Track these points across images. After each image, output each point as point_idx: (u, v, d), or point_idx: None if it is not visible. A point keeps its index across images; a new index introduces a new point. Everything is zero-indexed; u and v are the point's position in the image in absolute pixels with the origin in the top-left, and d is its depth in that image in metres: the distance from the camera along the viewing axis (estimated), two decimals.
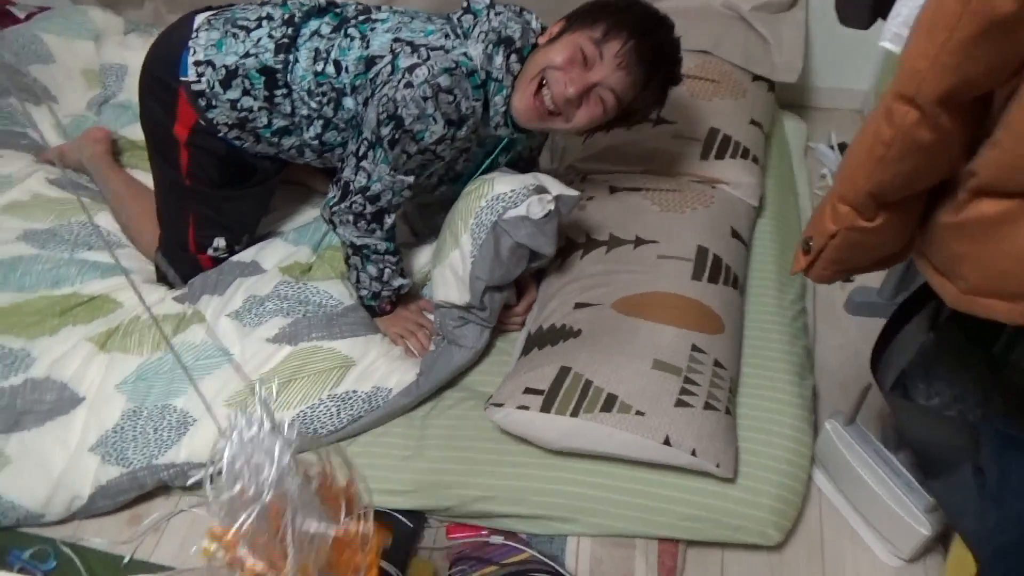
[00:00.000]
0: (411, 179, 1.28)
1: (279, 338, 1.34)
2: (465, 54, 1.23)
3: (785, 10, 1.81)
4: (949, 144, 0.69)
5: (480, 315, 1.30)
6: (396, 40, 1.25)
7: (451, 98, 1.19)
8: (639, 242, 1.38)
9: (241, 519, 0.64)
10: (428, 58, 1.19)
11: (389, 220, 1.33)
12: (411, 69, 1.19)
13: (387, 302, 1.41)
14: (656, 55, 1.20)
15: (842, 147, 1.88)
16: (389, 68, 1.22)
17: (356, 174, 1.28)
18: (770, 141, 1.71)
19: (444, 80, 1.18)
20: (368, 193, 1.28)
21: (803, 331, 1.40)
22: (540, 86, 1.20)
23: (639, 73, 1.19)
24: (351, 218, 1.31)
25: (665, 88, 1.26)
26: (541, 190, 1.25)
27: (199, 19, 1.40)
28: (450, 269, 1.32)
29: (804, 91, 1.99)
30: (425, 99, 1.17)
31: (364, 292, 1.40)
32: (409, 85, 1.18)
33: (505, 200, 1.26)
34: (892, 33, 0.90)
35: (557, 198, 1.25)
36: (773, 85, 1.77)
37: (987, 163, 0.68)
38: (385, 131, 1.21)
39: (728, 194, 1.50)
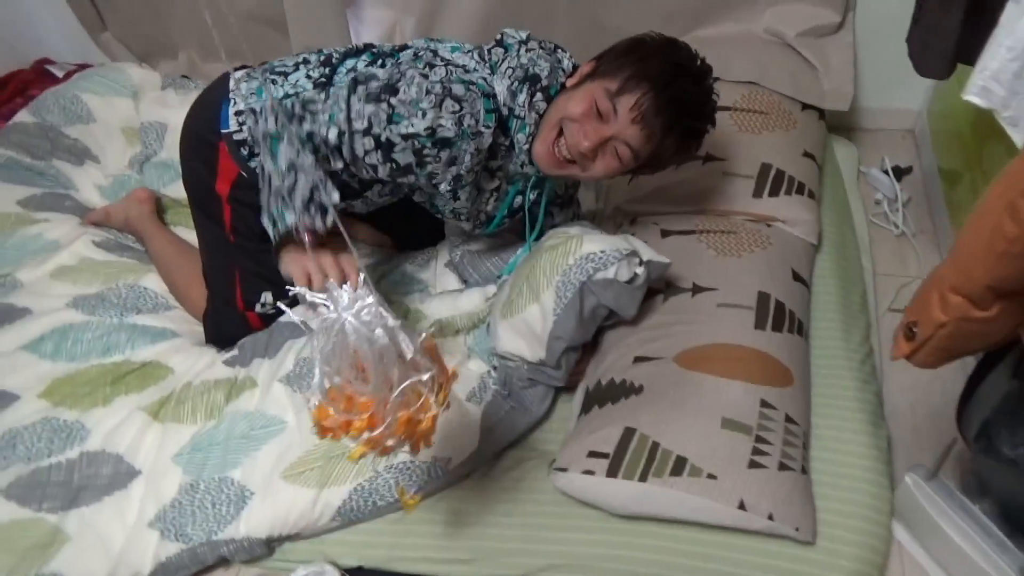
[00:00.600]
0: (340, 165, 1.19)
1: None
2: (484, 79, 1.20)
3: (832, 33, 1.76)
4: None
5: (553, 374, 1.27)
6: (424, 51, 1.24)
7: (456, 108, 1.12)
8: (697, 290, 1.33)
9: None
10: (448, 67, 1.17)
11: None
12: (430, 66, 1.16)
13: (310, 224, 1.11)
14: (675, 108, 1.14)
15: (896, 171, 1.81)
16: None
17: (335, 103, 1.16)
18: (823, 170, 1.65)
19: (458, 88, 1.13)
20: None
21: (872, 375, 1.35)
22: (560, 134, 1.17)
23: (656, 126, 1.14)
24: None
25: (686, 140, 1.20)
26: (632, 253, 1.22)
27: (236, 75, 1.40)
28: (525, 324, 1.28)
29: (853, 112, 1.93)
30: (428, 92, 1.11)
31: (283, 202, 1.12)
32: (423, 76, 1.14)
33: (595, 260, 1.21)
34: (979, 87, 0.85)
35: (647, 263, 1.22)
36: (823, 112, 1.71)
37: None
38: (373, 86, 1.14)
39: (785, 233, 1.45)
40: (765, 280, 1.33)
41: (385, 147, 1.14)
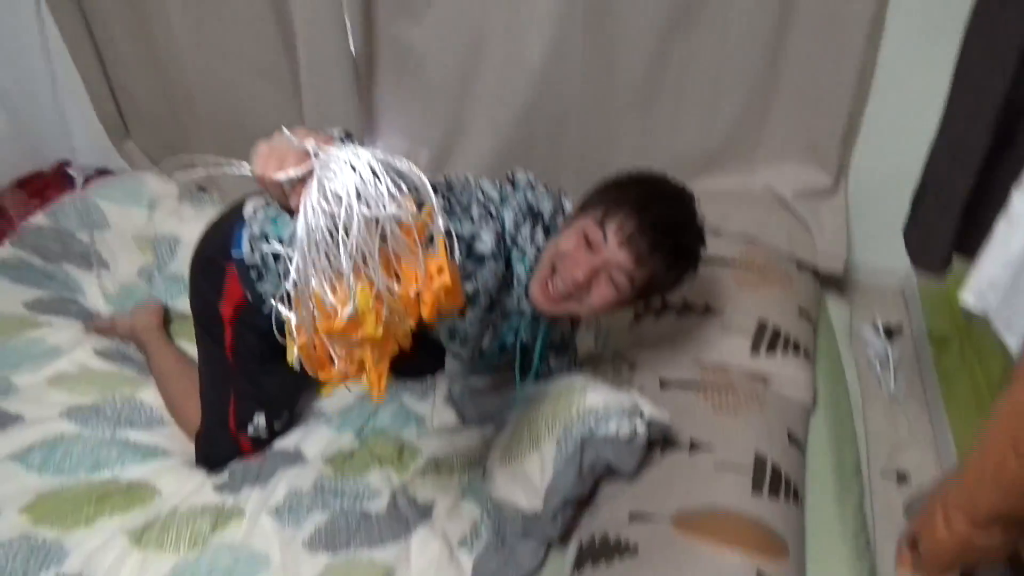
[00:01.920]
0: None
1: (317, 541, 1.31)
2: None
3: (825, 194, 1.84)
4: None
5: (549, 528, 1.26)
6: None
7: (498, 228, 1.19)
8: (694, 447, 1.34)
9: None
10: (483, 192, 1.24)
11: None
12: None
13: None
14: (659, 227, 1.18)
15: (887, 331, 1.86)
16: None
17: None
18: (817, 328, 1.69)
19: (503, 212, 1.21)
20: None
21: (866, 547, 1.33)
22: (553, 272, 1.21)
23: (643, 247, 1.17)
24: None
25: (677, 259, 1.24)
26: (635, 409, 1.23)
27: (252, 202, 1.45)
28: (523, 472, 1.27)
29: (846, 268, 2.00)
30: (478, 203, 1.19)
31: None
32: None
33: (597, 415, 1.22)
34: (974, 293, 0.90)
35: (650, 422, 1.23)
36: (818, 272, 1.78)
37: None
38: None
39: (781, 392, 1.47)
40: (762, 441, 1.34)
41: None
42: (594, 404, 1.25)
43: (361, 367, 0.80)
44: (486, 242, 1.16)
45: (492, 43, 1.78)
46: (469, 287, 1.19)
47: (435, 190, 1.12)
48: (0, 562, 1.28)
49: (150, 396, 1.60)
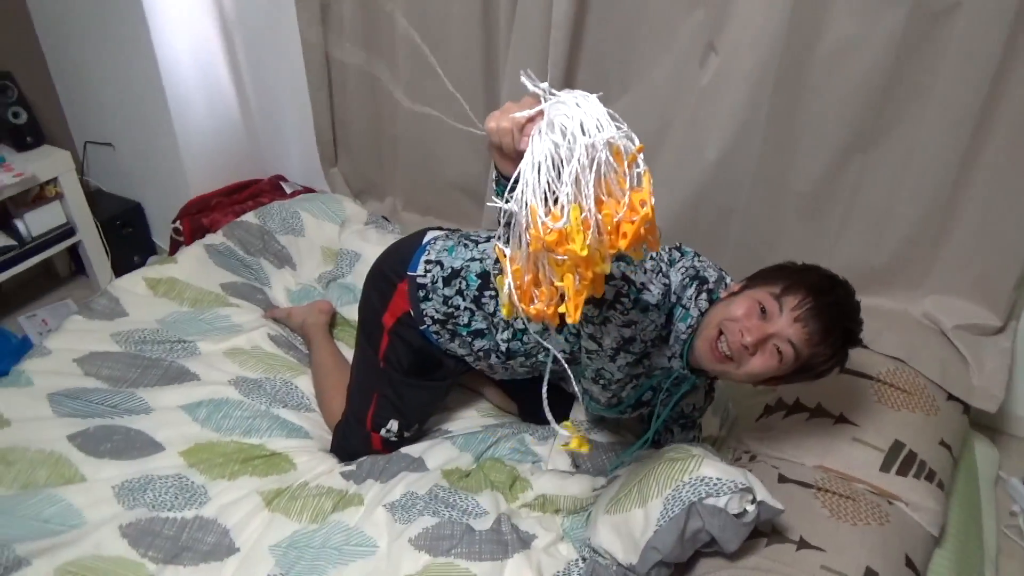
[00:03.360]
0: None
1: (421, 541, 1.38)
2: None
3: (991, 334, 1.78)
4: None
5: None
6: None
7: (666, 281, 1.27)
8: (803, 545, 1.32)
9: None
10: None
11: None
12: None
13: None
14: (834, 312, 1.22)
15: None
16: None
17: None
18: (958, 465, 1.62)
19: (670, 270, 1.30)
20: None
21: None
22: (719, 334, 1.25)
23: (816, 327, 1.21)
24: None
25: (843, 345, 1.26)
26: (747, 489, 1.25)
27: (432, 233, 1.61)
28: (626, 524, 1.31)
29: (1001, 416, 1.89)
30: (652, 258, 1.27)
31: None
32: None
33: (709, 485, 1.25)
34: None
35: (760, 503, 1.24)
36: (968, 408, 1.70)
37: None
38: None
39: (906, 515, 1.42)
40: (875, 557, 1.30)
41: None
42: (708, 474, 1.27)
43: (560, 300, 0.88)
44: (654, 293, 1.24)
45: (675, 131, 1.88)
46: (628, 332, 1.26)
47: None
48: (155, 491, 1.46)
49: (305, 384, 1.78)
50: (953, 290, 1.82)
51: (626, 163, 0.85)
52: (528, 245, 0.87)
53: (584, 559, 1.40)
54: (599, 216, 0.84)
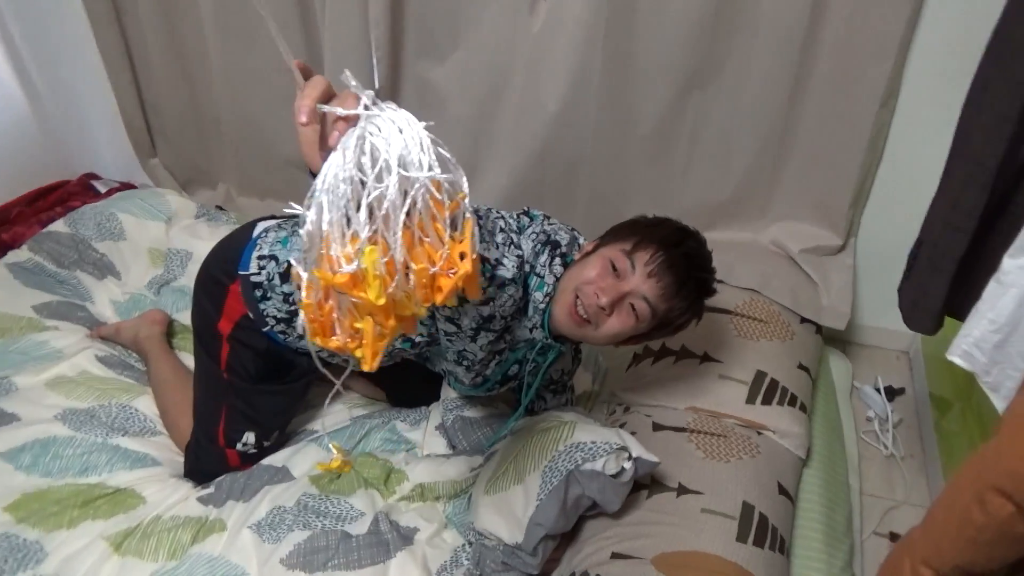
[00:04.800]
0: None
1: (294, 559, 1.29)
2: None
3: (833, 254, 1.85)
4: None
5: (528, 561, 1.25)
6: None
7: (519, 253, 1.20)
8: (682, 491, 1.33)
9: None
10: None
11: None
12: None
13: None
14: (685, 264, 1.22)
15: (888, 391, 1.84)
16: None
17: None
18: (816, 384, 1.68)
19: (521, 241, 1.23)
20: None
21: None
22: (576, 299, 1.22)
23: (669, 280, 1.20)
24: None
25: (697, 296, 1.26)
26: (622, 448, 1.23)
27: (262, 224, 1.47)
28: (506, 503, 1.27)
29: (850, 328, 1.99)
30: (502, 231, 1.19)
31: None
32: (499, 217, 1.22)
33: (584, 450, 1.22)
34: (962, 351, 0.90)
35: (636, 460, 1.23)
36: (821, 327, 1.77)
37: None
38: None
39: (774, 443, 1.46)
40: (751, 490, 1.33)
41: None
42: (581, 439, 1.25)
43: (359, 339, 0.76)
44: (508, 267, 1.18)
45: (512, 87, 1.83)
46: (487, 311, 1.20)
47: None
48: None
49: (145, 405, 1.61)
50: (796, 215, 1.88)
51: (447, 210, 0.73)
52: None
53: (470, 543, 1.36)
54: (412, 266, 0.73)
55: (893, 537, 1.53)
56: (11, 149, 2.20)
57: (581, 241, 1.34)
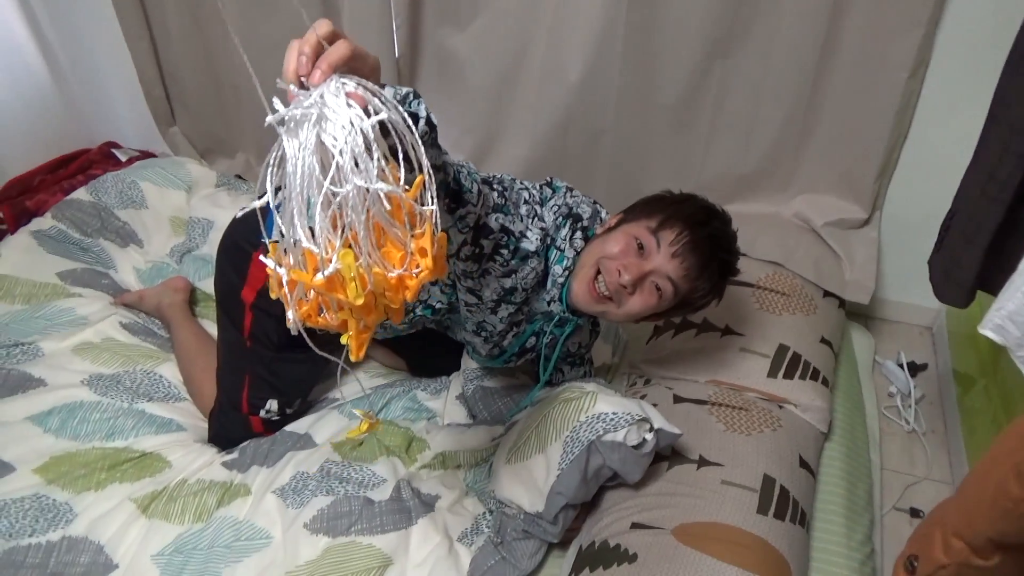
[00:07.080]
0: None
1: (318, 523, 1.31)
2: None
3: (858, 227, 1.83)
4: None
5: (549, 529, 1.26)
6: None
7: (543, 226, 1.19)
8: (703, 463, 1.33)
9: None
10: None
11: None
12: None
13: None
14: (710, 245, 1.21)
15: (911, 367, 1.83)
16: None
17: None
18: (838, 358, 1.67)
19: (545, 213, 1.22)
20: None
21: None
22: (597, 273, 1.21)
23: (694, 261, 1.19)
24: None
25: (720, 277, 1.25)
26: (644, 419, 1.22)
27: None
28: (528, 472, 1.27)
29: (873, 303, 1.97)
30: (527, 202, 1.19)
31: None
32: (524, 189, 1.21)
33: (606, 421, 1.22)
34: (995, 324, 0.88)
35: (658, 431, 1.22)
36: (844, 301, 1.76)
37: None
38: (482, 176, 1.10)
39: (796, 417, 1.46)
40: (771, 463, 1.33)
41: (481, 230, 1.11)
42: (603, 410, 1.25)
43: (345, 325, 0.75)
44: (532, 240, 1.17)
45: (533, 55, 1.80)
46: (509, 283, 1.19)
47: (490, 186, 1.13)
48: (10, 518, 1.30)
49: (169, 372, 1.63)
50: (820, 188, 1.85)
51: (404, 211, 0.70)
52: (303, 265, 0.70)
53: (491, 511, 1.37)
54: (388, 266, 0.71)
55: (914, 512, 1.52)
56: (33, 118, 2.21)
57: (603, 215, 1.33)
